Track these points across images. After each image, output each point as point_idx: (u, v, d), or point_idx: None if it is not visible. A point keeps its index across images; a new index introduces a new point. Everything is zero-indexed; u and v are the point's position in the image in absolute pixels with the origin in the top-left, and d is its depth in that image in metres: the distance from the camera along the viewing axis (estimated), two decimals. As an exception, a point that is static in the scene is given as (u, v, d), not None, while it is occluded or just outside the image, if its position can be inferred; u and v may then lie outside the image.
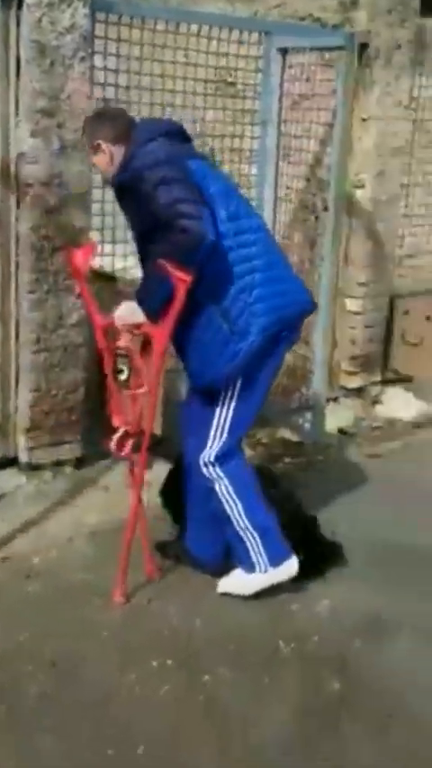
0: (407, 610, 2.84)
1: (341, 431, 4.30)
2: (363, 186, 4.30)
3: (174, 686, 2.43)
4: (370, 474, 3.87)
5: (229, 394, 2.69)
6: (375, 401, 4.67)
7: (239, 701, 2.40)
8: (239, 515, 2.76)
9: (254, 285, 2.63)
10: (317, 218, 4.07)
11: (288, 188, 4.23)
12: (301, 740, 2.27)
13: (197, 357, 2.70)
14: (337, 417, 4.39)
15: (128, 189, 2.64)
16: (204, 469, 2.76)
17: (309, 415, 4.16)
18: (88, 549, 3.12)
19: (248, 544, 2.79)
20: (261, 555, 2.80)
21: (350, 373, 4.61)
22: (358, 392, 4.62)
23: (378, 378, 4.70)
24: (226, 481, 2.75)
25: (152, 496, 3.16)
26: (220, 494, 2.76)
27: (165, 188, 2.48)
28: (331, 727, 2.32)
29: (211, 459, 2.74)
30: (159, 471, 3.65)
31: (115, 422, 2.76)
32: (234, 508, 2.76)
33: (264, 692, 2.44)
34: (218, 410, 2.71)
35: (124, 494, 3.31)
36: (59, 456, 3.55)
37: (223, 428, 2.73)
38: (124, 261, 3.74)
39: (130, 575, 2.84)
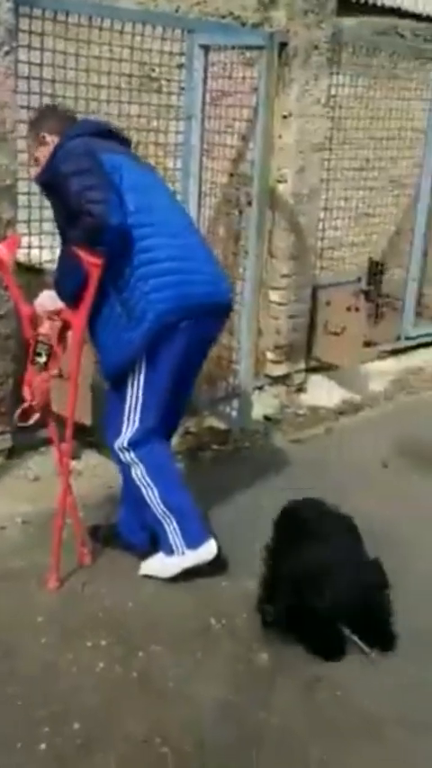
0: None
1: (267, 418, 4.44)
2: (285, 181, 4.43)
3: (108, 664, 2.51)
4: (294, 458, 4.02)
5: (135, 381, 2.78)
6: (299, 389, 4.82)
7: (173, 675, 2.49)
8: (156, 499, 2.86)
9: (150, 275, 2.69)
10: (240, 212, 4.19)
11: (212, 183, 4.33)
12: (232, 710, 2.38)
13: (101, 345, 2.82)
14: (262, 405, 4.53)
15: (49, 185, 2.75)
16: (120, 455, 2.86)
17: (235, 403, 4.29)
18: (21, 537, 3.16)
19: (166, 527, 2.89)
20: (179, 538, 2.89)
21: (275, 362, 4.75)
22: (283, 380, 4.77)
23: (302, 366, 4.85)
24: (141, 466, 2.85)
25: (82, 484, 3.23)
26: (136, 479, 2.86)
27: (76, 178, 2.60)
28: (261, 697, 2.44)
29: (125, 444, 2.84)
30: (90, 460, 3.73)
31: (25, 393, 2.86)
32: (151, 492, 2.86)
33: (196, 667, 2.54)
34: (127, 397, 2.80)
35: (55, 483, 3.36)
36: (-10, 447, 3.57)
37: (134, 414, 2.81)
38: (52, 253, 3.77)
39: (65, 561, 2.90)
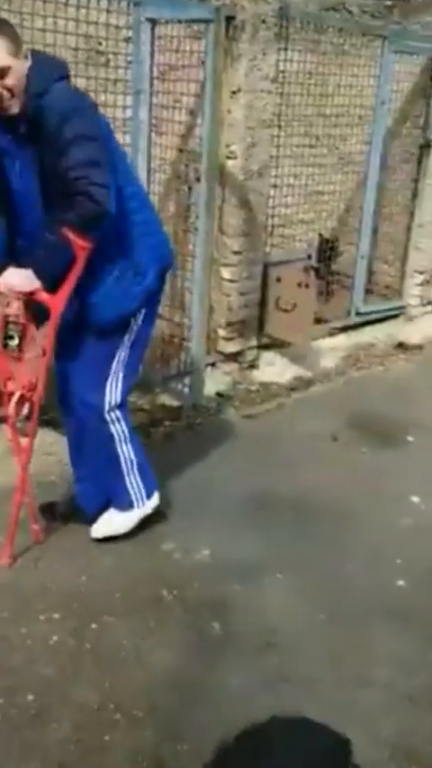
0: (279, 553, 3.05)
1: (219, 394, 4.47)
2: (234, 157, 4.43)
3: (61, 636, 2.53)
4: (245, 433, 4.07)
5: (127, 336, 2.77)
6: (251, 365, 4.86)
7: (125, 645, 2.53)
8: (129, 455, 2.92)
9: (146, 234, 2.72)
10: (190, 188, 4.19)
11: (161, 159, 4.31)
12: (184, 676, 2.43)
13: (101, 298, 2.69)
14: (214, 382, 4.56)
15: (33, 129, 2.44)
16: (109, 414, 2.84)
17: (187, 380, 4.31)
18: (-28, 515, 3.15)
19: (130, 482, 2.96)
20: (140, 490, 2.99)
21: (227, 339, 4.77)
22: (235, 357, 4.80)
23: (254, 343, 4.89)
24: (123, 423, 2.88)
25: (35, 462, 3.20)
26: (117, 437, 2.88)
27: (81, 144, 2.38)
28: (212, 662, 2.49)
29: (117, 401, 2.84)
30: (44, 437, 3.72)
31: (9, 387, 2.76)
32: (126, 449, 2.91)
33: (149, 636, 2.58)
34: (117, 352, 2.78)
35: (8, 461, 3.36)
36: None
37: (122, 371, 2.81)
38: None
39: (17, 538, 2.91)
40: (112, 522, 3.02)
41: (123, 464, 2.92)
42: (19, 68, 2.39)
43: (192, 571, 2.91)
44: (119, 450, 2.90)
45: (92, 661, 2.45)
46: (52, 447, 3.66)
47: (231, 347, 4.79)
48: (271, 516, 3.31)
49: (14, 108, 2.43)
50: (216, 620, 2.67)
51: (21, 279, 2.57)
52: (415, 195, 5.76)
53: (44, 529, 3.04)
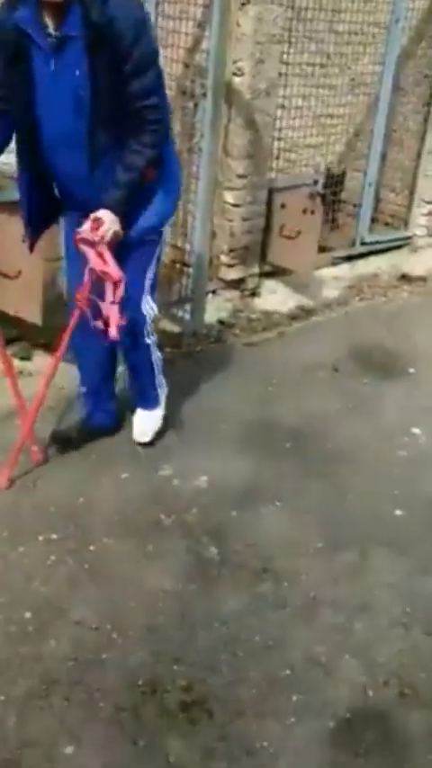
0: (277, 481, 3.06)
1: (220, 322, 4.41)
2: (241, 74, 4.25)
3: (60, 556, 2.55)
4: (245, 361, 4.03)
5: (159, 246, 2.83)
6: (253, 293, 4.79)
7: (124, 567, 2.55)
8: (159, 355, 3.08)
9: (171, 153, 2.74)
10: (195, 105, 4.03)
11: (168, 73, 4.12)
12: (180, 598, 2.45)
13: (148, 210, 2.70)
14: (216, 309, 4.50)
15: (96, 36, 2.26)
16: (147, 315, 2.90)
17: (188, 307, 4.24)
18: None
19: (159, 382, 3.15)
20: (164, 388, 3.20)
21: (229, 266, 4.68)
22: (237, 284, 4.72)
23: (256, 271, 4.80)
24: (152, 327, 2.97)
25: (33, 385, 3.17)
26: (152, 344, 3.00)
27: (151, 68, 2.36)
28: (209, 586, 2.52)
29: (155, 309, 2.93)
30: (41, 361, 3.68)
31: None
32: (157, 354, 3.06)
33: (147, 559, 2.60)
34: (151, 265, 2.83)
35: (5, 383, 3.33)
36: None
37: (155, 280, 2.88)
38: None
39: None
40: (151, 423, 3.18)
41: (155, 364, 3.07)
42: None
43: (190, 497, 2.92)
44: (153, 355, 3.04)
45: (90, 581, 2.47)
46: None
47: (233, 274, 4.70)
48: (269, 445, 3.30)
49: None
50: (213, 545, 2.69)
51: (112, 222, 2.53)
52: (426, 120, 5.55)
53: (43, 451, 3.03)
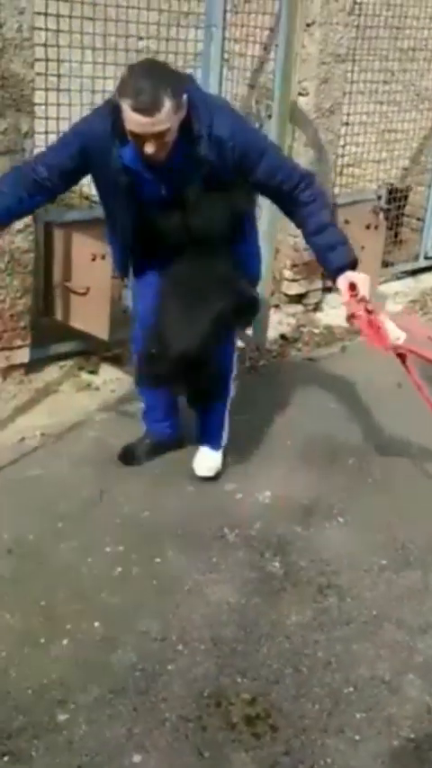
0: (340, 498, 3.07)
1: (283, 337, 4.45)
2: (306, 94, 4.30)
3: (126, 568, 2.61)
4: (309, 376, 4.05)
5: None
6: (316, 308, 4.81)
7: (188, 580, 2.59)
8: (231, 397, 3.09)
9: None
10: (260, 126, 4.09)
11: (232, 95, 4.21)
12: (245, 613, 2.48)
13: (252, 258, 2.87)
14: (278, 324, 4.53)
15: (209, 167, 2.38)
16: (235, 365, 3.04)
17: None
18: (39, 447, 3.23)
19: (228, 422, 3.12)
20: (227, 431, 3.14)
21: (292, 280, 4.72)
22: (299, 299, 4.75)
23: (319, 285, 4.82)
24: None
25: (98, 399, 3.26)
26: (233, 372, 3.05)
27: (275, 154, 2.52)
28: (273, 600, 2.54)
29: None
30: (106, 375, 3.77)
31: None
32: (232, 392, 3.09)
33: (211, 572, 2.64)
34: None
35: (73, 396, 3.44)
36: (9, 361, 3.61)
37: None
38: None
39: (82, 471, 2.98)
40: (214, 461, 3.12)
41: (227, 406, 3.07)
42: (178, 120, 2.28)
43: (253, 511, 2.95)
44: (231, 392, 3.07)
45: (155, 593, 2.53)
46: (113, 384, 3.71)
47: (296, 289, 4.74)
48: (333, 461, 3.32)
49: (163, 154, 2.33)
50: (277, 560, 2.72)
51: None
52: None
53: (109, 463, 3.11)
